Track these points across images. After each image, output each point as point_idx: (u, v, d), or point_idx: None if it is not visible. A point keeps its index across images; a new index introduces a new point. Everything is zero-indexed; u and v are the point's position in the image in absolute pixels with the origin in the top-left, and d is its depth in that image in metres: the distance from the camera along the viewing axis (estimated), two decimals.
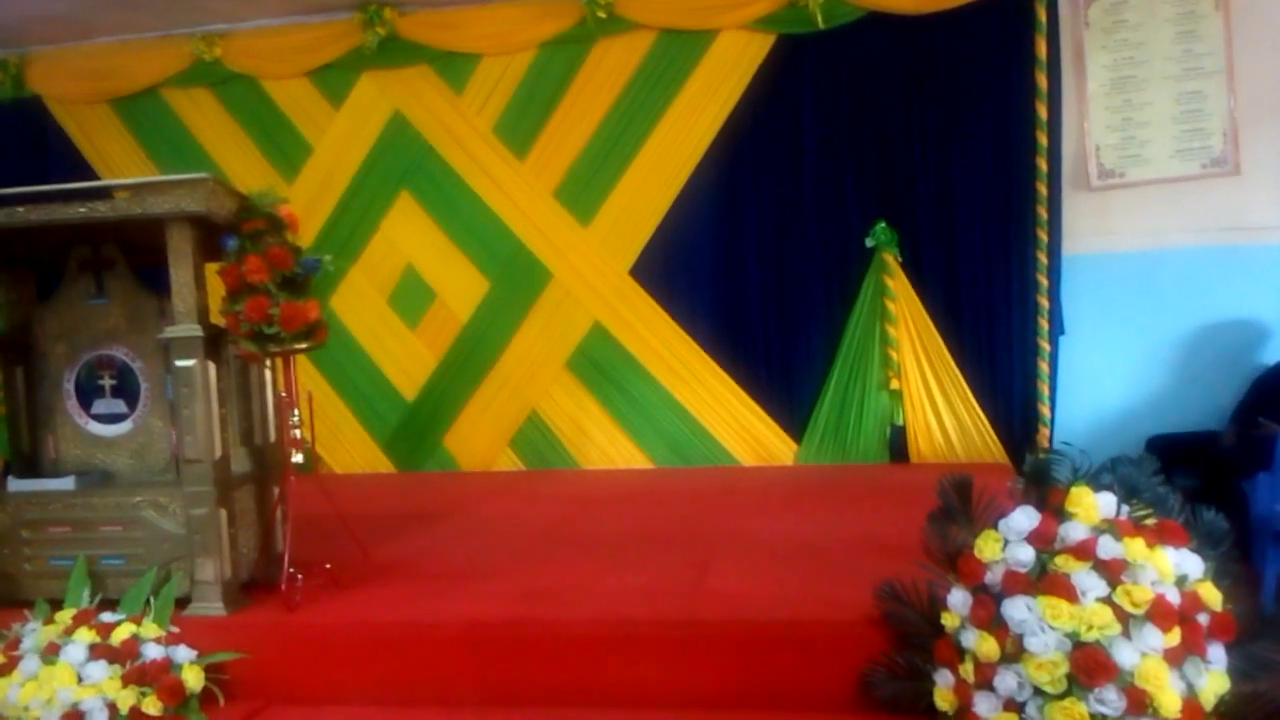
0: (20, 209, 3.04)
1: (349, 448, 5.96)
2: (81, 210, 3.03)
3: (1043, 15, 5.00)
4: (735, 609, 2.92)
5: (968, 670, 2.42)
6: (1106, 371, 5.19)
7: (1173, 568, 2.37)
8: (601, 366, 5.67)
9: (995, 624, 2.38)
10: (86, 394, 3.40)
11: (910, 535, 2.72)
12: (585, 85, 5.57)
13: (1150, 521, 2.47)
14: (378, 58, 5.70)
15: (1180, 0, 5.02)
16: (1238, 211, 5.02)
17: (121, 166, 6.01)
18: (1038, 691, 2.29)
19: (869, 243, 5.28)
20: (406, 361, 5.91)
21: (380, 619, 3.01)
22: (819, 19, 5.16)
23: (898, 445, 5.36)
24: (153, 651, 2.86)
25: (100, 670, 2.79)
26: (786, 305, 5.45)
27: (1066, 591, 2.31)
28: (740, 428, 5.54)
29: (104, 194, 3.10)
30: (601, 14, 5.38)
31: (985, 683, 2.37)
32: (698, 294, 5.56)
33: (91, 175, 5.90)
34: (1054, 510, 2.48)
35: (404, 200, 5.85)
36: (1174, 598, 2.32)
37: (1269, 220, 4.98)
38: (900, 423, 5.34)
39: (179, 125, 6.03)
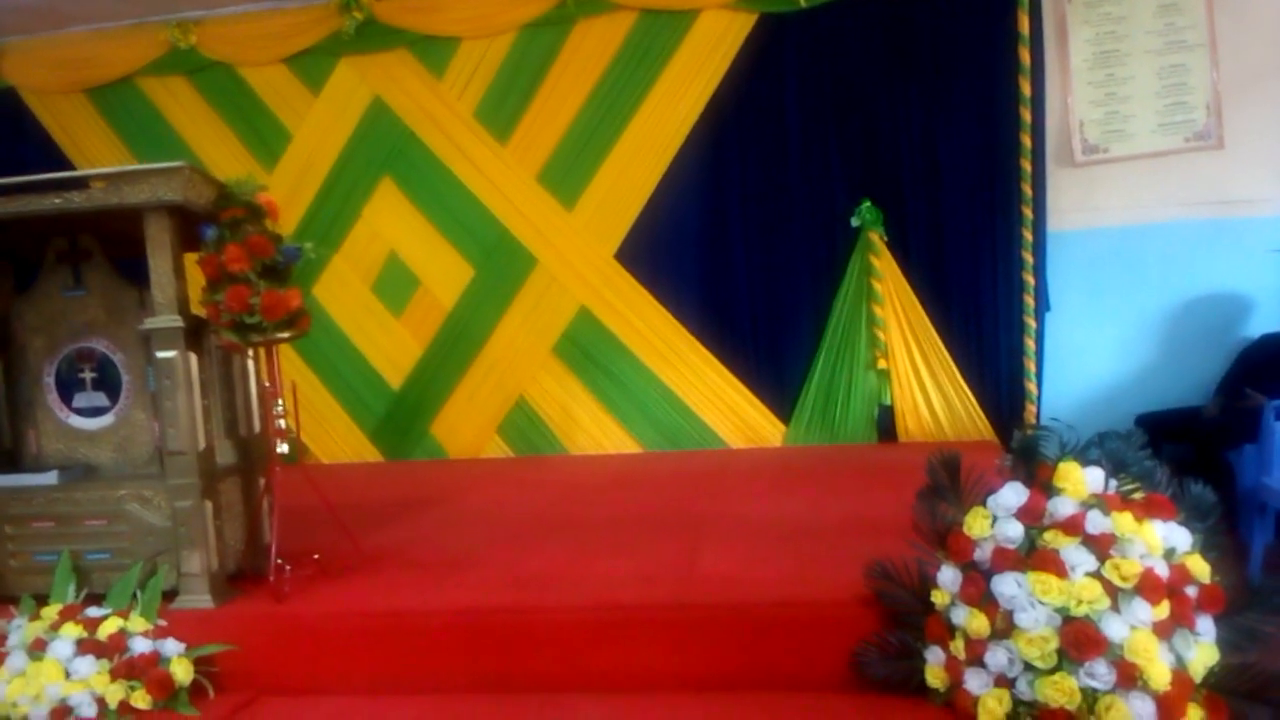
0: None
1: (335, 437, 5.93)
2: (57, 201, 2.98)
3: None
4: (726, 591, 2.92)
5: (958, 647, 2.43)
6: (1093, 347, 5.21)
7: (1161, 541, 2.38)
8: (588, 351, 5.65)
9: (985, 600, 2.38)
10: (67, 387, 3.36)
11: (900, 514, 2.72)
12: (566, 67, 5.52)
13: (1138, 495, 2.48)
14: (356, 43, 5.63)
15: None
16: (1222, 185, 5.03)
17: (98, 157, 5.93)
18: (1028, 667, 2.30)
19: (854, 222, 5.27)
20: (392, 349, 5.88)
21: (370, 608, 3.00)
22: None
23: (886, 425, 5.37)
24: (140, 645, 2.84)
25: (88, 665, 2.78)
26: (772, 286, 5.44)
27: (1055, 567, 2.31)
28: (728, 410, 5.54)
29: (80, 184, 3.05)
30: None
31: (976, 659, 2.38)
32: (683, 277, 5.54)
33: (68, 166, 5.82)
34: (1042, 486, 2.48)
35: (386, 187, 5.80)
36: (1162, 571, 2.33)
37: (1252, 193, 4.99)
38: (888, 402, 5.35)
39: (156, 114, 5.95)
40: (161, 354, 3.02)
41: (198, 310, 3.10)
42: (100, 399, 3.35)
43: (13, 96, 6.02)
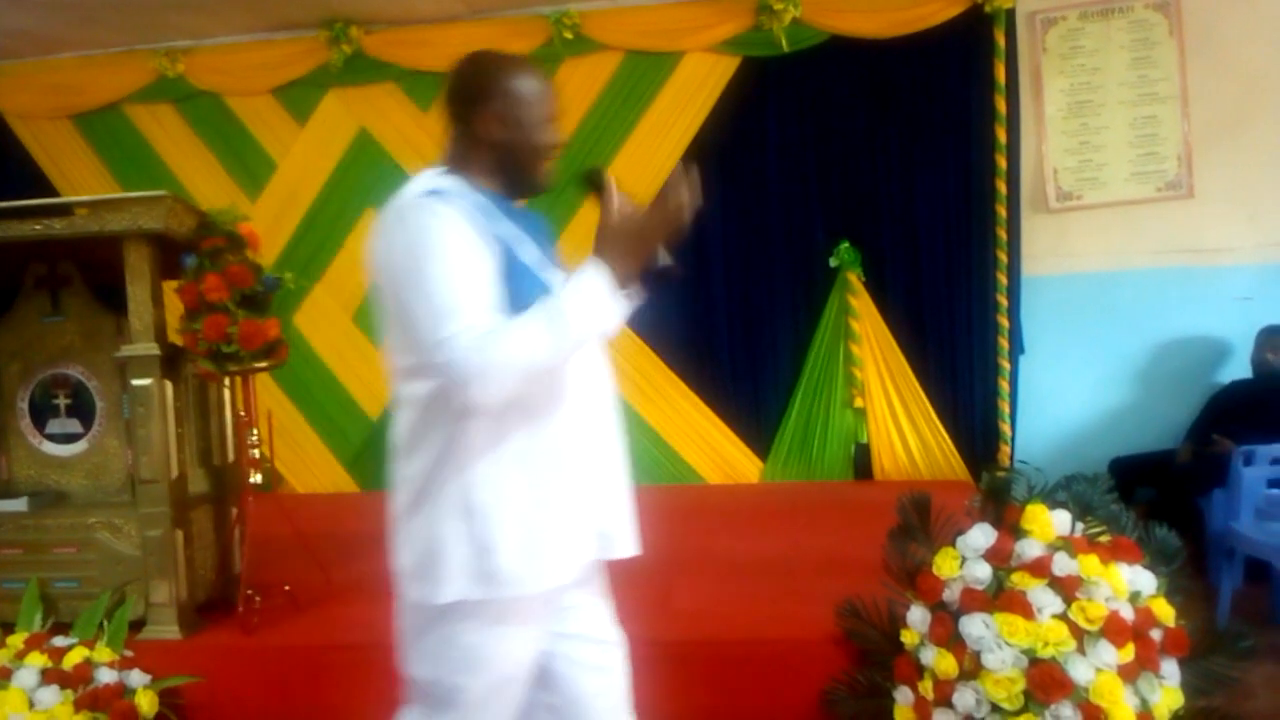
0: None
1: (312, 467, 5.89)
2: (37, 228, 2.99)
3: (1001, 41, 5.08)
4: (698, 628, 2.93)
5: (927, 688, 2.44)
6: (1066, 390, 5.26)
7: (1126, 584, 2.40)
8: None
9: (953, 641, 2.40)
10: (41, 413, 3.34)
11: (873, 553, 2.73)
12: None
13: (1104, 539, 2.50)
14: (343, 75, 5.66)
15: (1135, 27, 5.13)
16: (1192, 233, 5.12)
17: (83, 183, 5.92)
18: (995, 708, 2.31)
19: (833, 263, 5.33)
20: (371, 379, 5.85)
21: (339, 641, 2.98)
22: (783, 42, 5.21)
23: (862, 463, 5.40)
24: (106, 676, 2.80)
25: (52, 695, 2.73)
26: (752, 324, 5.48)
27: (1023, 608, 2.33)
28: (706, 446, 5.55)
29: (62, 211, 3.06)
30: (568, 34, 5.40)
31: (944, 700, 2.39)
32: (663, 313, 5.53)
33: (51, 192, 5.79)
34: (1010, 528, 2.51)
35: (369, 218, 5.79)
36: (1128, 614, 2.36)
37: (1221, 242, 5.08)
38: (864, 440, 5.38)
39: (142, 142, 5.95)
40: (137, 382, 3.01)
41: (175, 338, 3.10)
42: (74, 425, 3.33)
43: None
